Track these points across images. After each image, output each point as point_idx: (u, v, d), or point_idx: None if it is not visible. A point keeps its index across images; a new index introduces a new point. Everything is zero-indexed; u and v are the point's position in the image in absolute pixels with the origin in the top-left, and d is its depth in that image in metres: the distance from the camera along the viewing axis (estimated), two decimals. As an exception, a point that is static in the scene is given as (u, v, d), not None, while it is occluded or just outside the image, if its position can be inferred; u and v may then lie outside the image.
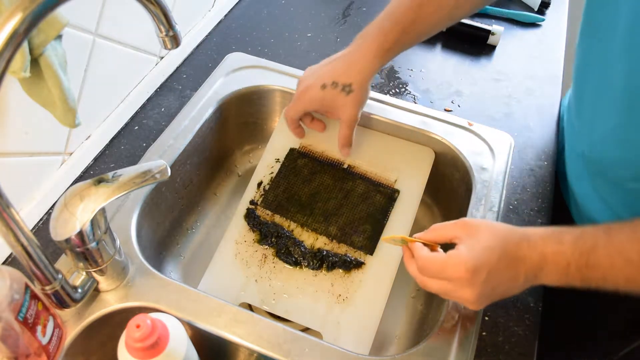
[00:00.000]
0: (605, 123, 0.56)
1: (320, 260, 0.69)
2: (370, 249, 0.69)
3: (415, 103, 0.82)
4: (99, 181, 0.49)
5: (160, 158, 0.71)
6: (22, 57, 0.46)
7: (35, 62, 0.49)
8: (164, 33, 0.48)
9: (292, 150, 0.77)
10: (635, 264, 0.46)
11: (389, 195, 0.72)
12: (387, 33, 0.65)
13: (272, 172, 0.75)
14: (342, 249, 0.70)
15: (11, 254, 0.61)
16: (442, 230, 0.53)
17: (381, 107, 0.79)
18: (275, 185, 0.74)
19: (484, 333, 0.57)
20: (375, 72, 0.67)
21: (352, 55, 0.67)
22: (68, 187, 0.61)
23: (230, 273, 0.68)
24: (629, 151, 0.54)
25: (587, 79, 0.59)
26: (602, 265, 0.47)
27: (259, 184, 0.75)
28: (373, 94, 0.81)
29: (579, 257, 0.47)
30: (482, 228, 0.50)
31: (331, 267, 0.68)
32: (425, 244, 0.54)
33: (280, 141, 0.78)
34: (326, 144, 0.77)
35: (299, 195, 0.74)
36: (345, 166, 0.75)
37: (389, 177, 0.74)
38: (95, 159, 0.71)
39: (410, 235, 0.55)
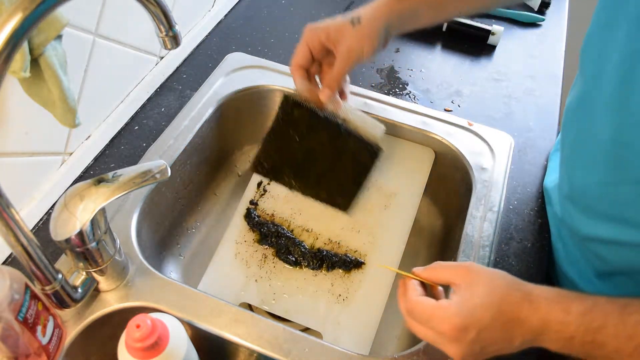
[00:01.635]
0: (587, 176, 0.53)
1: (320, 260, 0.69)
2: (347, 207, 0.70)
3: (415, 103, 0.82)
4: (99, 181, 0.49)
5: (160, 158, 0.71)
6: (22, 57, 0.46)
7: (35, 62, 0.49)
8: (164, 33, 0.48)
9: (286, 98, 0.69)
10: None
11: (373, 153, 0.69)
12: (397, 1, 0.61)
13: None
14: (342, 249, 0.70)
15: (11, 254, 0.61)
16: (442, 272, 0.49)
17: (381, 107, 0.79)
18: (269, 143, 0.71)
19: (484, 333, 0.57)
20: (389, 17, 0.61)
21: (365, 7, 0.62)
22: (68, 187, 0.61)
23: (230, 273, 0.68)
24: (614, 207, 0.50)
25: (571, 124, 0.56)
26: (608, 346, 0.43)
27: (259, 184, 0.75)
28: (373, 93, 0.81)
29: (584, 333, 0.43)
30: (482, 280, 0.46)
31: (331, 267, 0.68)
32: (423, 282, 0.51)
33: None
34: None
35: (294, 155, 0.70)
36: (340, 121, 0.69)
37: (376, 135, 0.70)
38: (95, 159, 0.71)
39: (410, 268, 0.52)
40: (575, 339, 0.43)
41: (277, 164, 0.72)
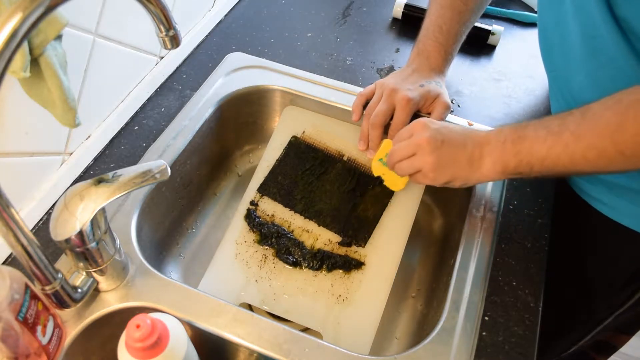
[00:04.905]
0: (572, 74, 0.62)
1: (321, 261, 0.69)
2: (365, 240, 0.70)
3: (415, 103, 0.82)
4: (99, 181, 0.49)
5: (160, 158, 0.71)
6: (22, 57, 0.46)
7: (35, 62, 0.49)
8: (164, 33, 0.48)
9: (294, 138, 0.77)
10: (555, 133, 0.52)
11: (387, 192, 0.72)
12: (444, 44, 0.74)
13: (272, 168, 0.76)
14: (342, 250, 0.70)
15: (11, 254, 0.61)
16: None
17: (381, 107, 0.79)
18: (276, 173, 0.75)
19: (484, 333, 0.57)
20: (448, 59, 0.76)
21: (424, 69, 0.74)
22: (68, 187, 0.61)
23: (230, 273, 0.68)
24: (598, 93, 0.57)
25: (552, 44, 0.66)
26: (528, 137, 0.54)
27: (260, 185, 0.75)
28: (373, 94, 0.81)
29: (512, 132, 0.56)
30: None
31: (331, 267, 0.68)
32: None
33: (280, 140, 0.78)
34: (328, 135, 0.77)
35: (299, 187, 0.74)
36: (345, 158, 0.76)
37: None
38: (95, 159, 0.71)
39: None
40: (507, 142, 0.56)
41: (283, 194, 0.74)
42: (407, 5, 0.96)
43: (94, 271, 0.54)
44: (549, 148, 0.53)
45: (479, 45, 0.93)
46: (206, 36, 0.91)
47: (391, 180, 0.70)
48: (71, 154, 0.68)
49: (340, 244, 0.70)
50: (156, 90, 0.81)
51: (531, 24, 0.99)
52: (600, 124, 0.50)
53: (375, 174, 0.72)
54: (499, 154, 0.57)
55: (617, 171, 0.52)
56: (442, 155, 0.59)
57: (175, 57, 0.84)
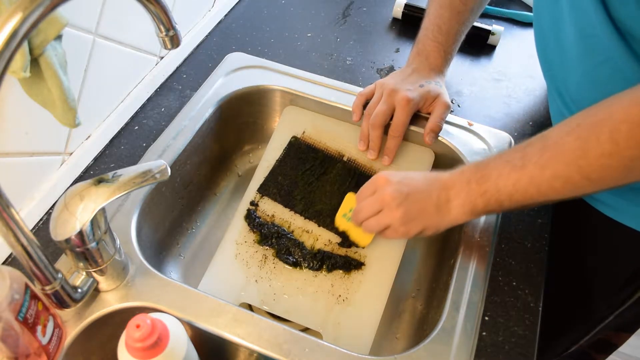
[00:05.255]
0: (569, 74, 0.62)
1: (321, 261, 0.69)
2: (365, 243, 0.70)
3: (415, 103, 0.82)
4: (99, 181, 0.49)
5: (160, 158, 0.71)
6: (22, 57, 0.46)
7: (35, 62, 0.49)
8: (164, 33, 0.48)
9: (294, 138, 0.77)
10: (518, 168, 0.52)
11: None
12: (443, 44, 0.74)
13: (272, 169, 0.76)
14: (342, 250, 0.70)
15: (11, 254, 0.61)
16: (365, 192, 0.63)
17: (381, 107, 0.79)
18: (276, 173, 0.75)
19: (484, 333, 0.57)
20: (448, 58, 0.76)
21: (424, 69, 0.74)
22: (68, 187, 0.61)
23: (230, 273, 0.68)
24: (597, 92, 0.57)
25: (548, 43, 0.66)
26: (492, 175, 0.54)
27: (260, 185, 0.75)
28: (373, 94, 0.81)
29: (475, 172, 0.56)
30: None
31: (331, 267, 0.68)
32: None
33: (280, 140, 0.78)
34: (328, 135, 0.77)
35: (299, 187, 0.74)
36: (345, 159, 0.76)
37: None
38: (95, 159, 0.71)
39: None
40: (472, 182, 0.55)
41: (284, 194, 0.74)
42: (407, 5, 0.96)
43: (94, 271, 0.54)
44: (514, 183, 0.52)
45: (479, 45, 0.93)
46: (206, 36, 0.91)
47: (357, 236, 0.68)
48: (71, 154, 0.68)
49: (340, 244, 0.70)
50: (156, 90, 0.81)
51: (531, 24, 0.99)
52: (563, 151, 0.49)
53: (340, 229, 0.69)
54: (465, 196, 0.56)
55: (587, 194, 0.52)
56: (409, 208, 0.58)
57: (175, 57, 0.84)
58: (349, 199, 0.69)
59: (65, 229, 0.48)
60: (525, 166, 0.51)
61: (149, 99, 0.79)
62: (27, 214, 0.62)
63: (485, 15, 0.99)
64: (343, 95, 0.80)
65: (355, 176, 0.74)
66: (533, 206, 0.55)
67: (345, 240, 0.69)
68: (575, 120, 0.49)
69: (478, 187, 0.55)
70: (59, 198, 0.52)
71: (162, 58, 0.81)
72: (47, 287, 0.48)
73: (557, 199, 0.52)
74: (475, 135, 0.76)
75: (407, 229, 0.59)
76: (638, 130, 0.44)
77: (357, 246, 0.69)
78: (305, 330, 0.66)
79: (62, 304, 0.51)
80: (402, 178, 0.60)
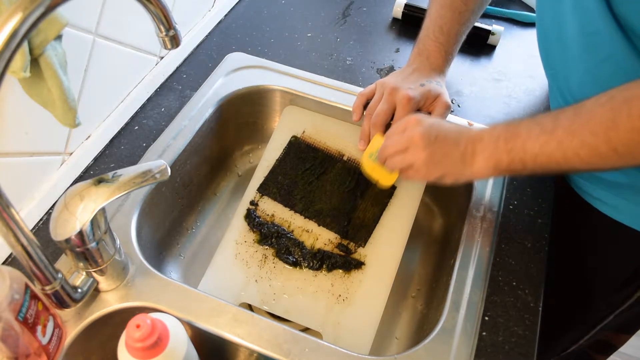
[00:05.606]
0: (577, 69, 0.61)
1: (321, 261, 0.69)
2: (365, 240, 0.70)
3: (415, 103, 0.82)
4: (99, 181, 0.49)
5: (160, 158, 0.71)
6: (22, 57, 0.46)
7: (35, 62, 0.49)
8: (164, 33, 0.48)
9: (294, 138, 0.77)
10: (548, 131, 0.52)
11: (387, 192, 0.72)
12: (444, 44, 0.74)
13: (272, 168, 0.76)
14: (340, 250, 0.70)
15: (11, 254, 0.61)
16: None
17: (381, 107, 0.79)
18: (276, 173, 0.75)
19: (484, 333, 0.57)
20: (449, 57, 0.76)
21: (425, 69, 0.74)
22: (68, 187, 0.61)
23: (230, 273, 0.68)
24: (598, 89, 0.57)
25: (550, 41, 0.66)
26: (521, 134, 0.54)
27: (260, 185, 0.75)
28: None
29: (505, 130, 0.56)
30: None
31: (331, 267, 0.68)
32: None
33: (280, 140, 0.78)
34: (328, 135, 0.77)
35: (299, 186, 0.74)
36: (345, 158, 0.76)
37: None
38: (95, 159, 0.71)
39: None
40: (500, 139, 0.56)
41: (284, 194, 0.74)
42: (407, 5, 0.96)
43: (94, 271, 0.54)
44: (542, 145, 0.52)
45: (479, 45, 0.93)
46: (206, 36, 0.91)
47: (380, 176, 0.69)
48: (71, 154, 0.68)
49: (338, 247, 0.70)
50: (156, 90, 0.81)
51: (531, 24, 0.99)
52: (593, 121, 0.49)
53: (365, 169, 0.71)
54: (491, 151, 0.56)
55: (610, 168, 0.52)
56: (435, 151, 0.59)
57: (175, 57, 0.84)
58: (377, 140, 0.69)
59: (65, 229, 0.48)
60: (555, 130, 0.52)
61: (149, 99, 0.79)
62: (27, 214, 0.62)
63: (485, 15, 0.99)
64: (343, 95, 0.80)
65: (355, 176, 0.74)
66: (555, 172, 0.55)
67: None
68: (610, 93, 0.49)
69: (505, 144, 0.55)
70: (59, 198, 0.52)
71: (162, 58, 0.81)
72: (47, 287, 0.48)
73: (580, 169, 0.53)
74: (475, 135, 0.76)
75: (429, 171, 0.60)
76: None
77: (378, 186, 0.71)
78: (305, 330, 0.66)
79: (62, 304, 0.51)
80: (434, 122, 0.61)
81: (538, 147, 0.53)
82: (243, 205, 0.74)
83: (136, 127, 0.75)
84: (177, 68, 0.85)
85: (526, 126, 0.55)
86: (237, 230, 0.72)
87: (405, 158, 0.61)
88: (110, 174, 0.50)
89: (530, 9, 1.02)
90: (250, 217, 0.72)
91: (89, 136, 0.70)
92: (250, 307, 0.69)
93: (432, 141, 0.59)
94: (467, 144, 0.58)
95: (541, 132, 0.53)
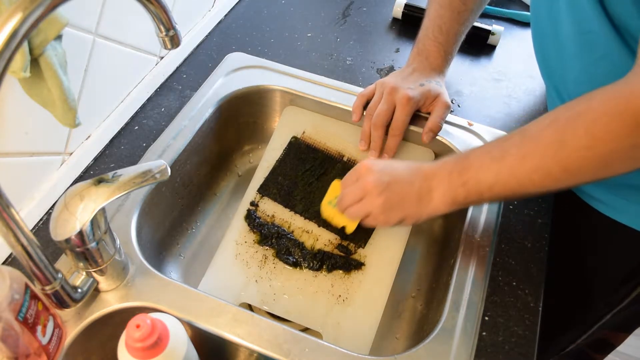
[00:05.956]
0: (567, 71, 0.62)
1: (321, 261, 0.69)
2: (365, 241, 0.70)
3: (415, 103, 0.82)
4: (99, 181, 0.49)
5: (160, 158, 0.71)
6: (22, 57, 0.46)
7: (35, 62, 0.49)
8: (164, 33, 0.48)
9: (294, 138, 0.77)
10: (498, 159, 0.52)
11: None
12: (444, 44, 0.74)
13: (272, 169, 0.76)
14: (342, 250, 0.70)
15: (11, 254, 0.61)
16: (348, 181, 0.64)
17: (381, 107, 0.79)
18: (276, 173, 0.75)
19: (484, 333, 0.57)
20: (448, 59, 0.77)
21: (424, 69, 0.74)
22: (68, 187, 0.61)
23: (230, 273, 0.68)
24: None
25: (545, 40, 0.66)
26: (473, 166, 0.54)
27: (260, 185, 0.75)
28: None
29: (456, 163, 0.56)
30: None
31: (331, 268, 0.68)
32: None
33: (280, 140, 0.78)
34: (328, 136, 0.77)
35: (299, 187, 0.74)
36: (345, 159, 0.76)
37: None
38: (95, 159, 0.71)
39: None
40: (453, 173, 0.56)
41: (284, 194, 0.74)
42: (407, 5, 0.96)
43: (94, 271, 0.54)
44: (495, 175, 0.52)
45: (479, 45, 0.93)
46: (206, 36, 0.91)
47: (341, 223, 0.69)
48: (71, 154, 0.68)
49: (338, 248, 0.70)
50: (156, 90, 0.81)
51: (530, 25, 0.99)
52: (541, 143, 0.49)
53: (324, 216, 0.70)
54: (447, 186, 0.56)
55: (565, 188, 0.52)
56: (390, 196, 0.58)
57: (175, 57, 0.84)
58: (335, 187, 0.69)
59: (65, 229, 0.48)
60: (504, 158, 0.52)
61: (149, 99, 0.79)
62: (27, 214, 0.62)
63: (485, 15, 0.99)
64: (343, 95, 0.80)
65: None
66: (513, 199, 0.56)
67: (328, 227, 0.70)
68: (554, 113, 0.50)
69: (459, 178, 0.55)
70: (59, 198, 0.52)
71: (162, 58, 0.81)
72: (47, 287, 0.48)
73: (537, 192, 0.53)
74: (475, 135, 0.76)
75: (387, 217, 0.60)
76: (616, 123, 0.44)
77: (341, 234, 0.70)
78: (305, 330, 0.66)
79: (62, 304, 0.51)
80: (384, 167, 0.60)
81: (492, 176, 0.53)
82: (243, 206, 0.74)
83: (136, 127, 0.75)
84: (177, 68, 0.85)
85: (476, 157, 0.55)
86: (237, 230, 0.72)
87: (362, 207, 0.61)
88: (110, 174, 0.50)
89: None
90: (251, 218, 0.72)
91: (89, 136, 0.70)
92: (250, 307, 0.69)
93: (386, 187, 0.59)
94: (422, 182, 0.58)
95: (492, 161, 0.53)
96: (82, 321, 0.55)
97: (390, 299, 0.66)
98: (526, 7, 1.02)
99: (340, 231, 0.70)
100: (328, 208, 0.69)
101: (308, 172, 0.75)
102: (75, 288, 0.52)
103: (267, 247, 0.70)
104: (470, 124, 0.78)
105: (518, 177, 0.51)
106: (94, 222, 0.49)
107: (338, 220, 0.69)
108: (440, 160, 0.59)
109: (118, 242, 0.56)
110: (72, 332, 0.54)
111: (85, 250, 0.51)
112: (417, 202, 0.58)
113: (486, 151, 0.55)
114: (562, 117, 0.49)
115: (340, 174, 0.74)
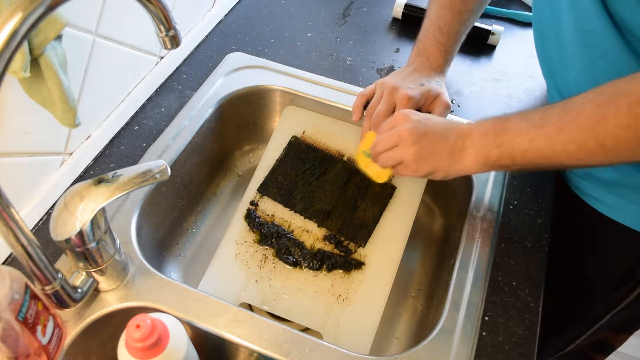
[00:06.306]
0: (568, 70, 0.62)
1: (320, 261, 0.69)
2: (365, 240, 0.70)
3: (415, 103, 0.82)
4: (99, 181, 0.49)
5: (160, 158, 0.71)
6: (22, 57, 0.46)
7: (35, 62, 0.49)
8: (164, 33, 0.48)
9: (294, 138, 0.77)
10: (537, 126, 0.52)
11: (387, 192, 0.72)
12: (444, 44, 0.74)
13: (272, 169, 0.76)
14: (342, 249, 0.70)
15: (11, 254, 0.61)
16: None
17: (381, 107, 0.79)
18: (276, 173, 0.75)
19: (484, 333, 0.57)
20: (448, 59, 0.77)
21: (425, 69, 0.74)
22: (68, 187, 0.61)
23: (230, 273, 0.68)
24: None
25: (547, 39, 0.66)
26: (510, 129, 0.54)
27: (260, 185, 0.75)
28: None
29: (494, 125, 0.56)
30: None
31: (331, 267, 0.68)
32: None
33: (280, 140, 0.78)
34: (328, 135, 0.77)
35: (299, 187, 0.74)
36: (345, 159, 0.76)
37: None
38: (95, 159, 0.71)
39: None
40: (490, 133, 0.56)
41: (283, 194, 0.74)
42: (407, 5, 0.96)
43: (94, 271, 0.54)
44: (531, 140, 0.52)
45: (479, 45, 0.93)
46: (206, 36, 0.91)
47: (375, 172, 0.69)
48: (71, 154, 0.68)
49: (338, 248, 0.70)
50: (156, 90, 0.81)
51: (531, 24, 0.99)
52: (581, 116, 0.49)
53: (360, 166, 0.71)
54: (480, 146, 0.56)
55: (597, 164, 0.52)
56: (424, 147, 0.59)
57: (175, 57, 0.84)
58: (371, 136, 0.69)
59: (65, 229, 0.48)
60: (543, 125, 0.52)
61: (149, 99, 0.79)
62: (27, 214, 0.62)
63: (485, 15, 0.99)
64: (343, 95, 0.80)
65: (355, 176, 0.74)
66: (544, 168, 0.56)
67: (363, 174, 0.71)
68: (599, 88, 0.50)
69: (495, 139, 0.55)
70: (59, 198, 0.52)
71: (162, 58, 0.81)
72: (47, 287, 0.48)
73: (569, 164, 0.53)
74: (475, 135, 0.76)
75: (418, 167, 0.60)
76: None
77: (374, 181, 0.70)
78: (305, 330, 0.66)
79: (62, 304, 0.51)
80: (422, 117, 0.61)
81: (527, 142, 0.53)
82: (243, 205, 0.74)
83: (136, 127, 0.75)
84: (177, 68, 0.85)
85: (515, 121, 0.55)
86: (237, 230, 0.72)
87: (395, 154, 0.61)
88: (110, 174, 0.50)
89: (530, 9, 1.02)
90: (250, 217, 0.72)
91: (89, 136, 0.70)
92: (250, 307, 0.69)
93: (420, 137, 0.59)
94: (456, 139, 0.58)
95: (530, 127, 0.53)
96: (82, 321, 0.55)
97: (390, 299, 0.66)
98: (526, 7, 1.03)
99: (364, 174, 0.71)
100: (362, 156, 0.70)
101: (308, 171, 0.75)
102: (75, 288, 0.52)
103: (267, 247, 0.70)
104: (470, 124, 0.78)
105: (553, 146, 0.51)
106: (94, 222, 0.49)
107: (371, 169, 0.69)
108: (479, 120, 0.59)
109: (118, 242, 0.56)
110: (72, 332, 0.54)
111: (85, 250, 0.51)
112: (450, 157, 0.58)
113: (526, 117, 0.54)
114: (607, 92, 0.48)
115: (340, 174, 0.74)
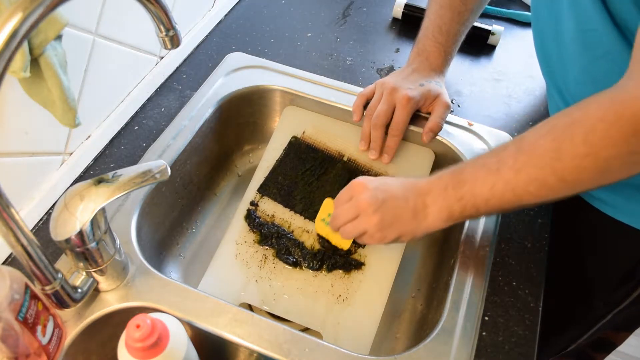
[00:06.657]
0: (568, 70, 0.62)
1: (320, 261, 0.69)
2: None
3: (415, 103, 0.82)
4: (99, 181, 0.49)
5: (160, 158, 0.71)
6: (22, 57, 0.46)
7: (35, 62, 0.49)
8: (164, 33, 0.48)
9: (294, 138, 0.77)
10: (494, 172, 0.51)
11: None
12: (444, 44, 0.74)
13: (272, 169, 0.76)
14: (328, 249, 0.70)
15: (11, 254, 0.61)
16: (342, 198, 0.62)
17: (381, 107, 0.79)
18: (276, 173, 0.75)
19: (484, 333, 0.57)
20: (448, 58, 0.77)
21: (424, 69, 0.74)
22: (68, 187, 0.61)
23: (230, 273, 0.68)
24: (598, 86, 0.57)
25: (547, 38, 0.66)
26: (468, 180, 0.54)
27: (260, 185, 0.75)
28: (373, 94, 0.81)
29: (452, 177, 0.55)
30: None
31: (331, 267, 0.68)
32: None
33: (280, 140, 0.78)
34: (328, 136, 0.77)
35: (299, 187, 0.74)
36: (345, 159, 0.76)
37: (387, 171, 0.74)
38: (95, 159, 0.71)
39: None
40: (448, 188, 0.55)
41: (283, 194, 0.74)
42: (407, 5, 0.96)
43: (94, 271, 0.54)
44: (491, 188, 0.52)
45: (479, 45, 0.93)
46: (206, 36, 0.91)
47: (336, 240, 0.67)
48: (71, 154, 0.68)
49: (322, 246, 0.70)
50: (156, 90, 0.81)
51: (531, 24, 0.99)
52: (537, 153, 0.48)
53: (319, 233, 0.69)
54: (442, 201, 0.55)
55: (566, 196, 0.51)
56: (386, 214, 0.57)
57: (175, 57, 0.84)
58: (328, 204, 0.68)
59: (65, 229, 0.48)
60: (500, 170, 0.51)
61: (149, 99, 0.79)
62: (27, 214, 0.62)
63: (485, 15, 0.99)
64: (343, 95, 0.80)
65: (355, 176, 0.74)
66: (510, 211, 0.55)
67: (327, 244, 0.69)
68: (551, 121, 0.49)
69: (455, 193, 0.54)
70: (59, 198, 0.52)
71: (162, 58, 0.81)
72: (47, 287, 0.48)
73: (534, 203, 0.52)
74: (475, 135, 0.76)
75: (383, 235, 0.58)
76: (614, 130, 0.43)
77: (339, 250, 0.69)
78: (305, 330, 0.66)
79: (62, 304, 0.51)
80: (379, 184, 0.59)
81: (487, 190, 0.52)
82: (243, 206, 0.74)
83: (136, 127, 0.75)
84: (177, 68, 0.85)
85: (471, 170, 0.54)
86: (237, 230, 0.72)
87: (358, 225, 0.59)
88: (110, 174, 0.50)
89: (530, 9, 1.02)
90: (251, 218, 0.72)
91: (89, 136, 0.70)
92: (250, 307, 0.69)
93: (380, 205, 0.57)
94: (417, 198, 0.57)
95: (487, 174, 0.52)
96: (82, 321, 0.55)
97: (390, 299, 0.66)
98: (526, 7, 1.02)
99: (324, 244, 0.69)
100: (322, 225, 0.68)
101: (308, 171, 0.75)
102: (75, 288, 0.52)
103: (267, 247, 0.70)
104: (470, 124, 0.78)
105: (514, 189, 0.50)
106: (94, 222, 0.49)
107: (332, 237, 0.68)
108: (436, 174, 0.58)
109: (118, 242, 0.56)
110: (72, 332, 0.54)
111: (85, 250, 0.51)
112: (413, 218, 0.57)
113: (482, 163, 0.53)
114: (559, 124, 0.48)
115: (340, 174, 0.74)
